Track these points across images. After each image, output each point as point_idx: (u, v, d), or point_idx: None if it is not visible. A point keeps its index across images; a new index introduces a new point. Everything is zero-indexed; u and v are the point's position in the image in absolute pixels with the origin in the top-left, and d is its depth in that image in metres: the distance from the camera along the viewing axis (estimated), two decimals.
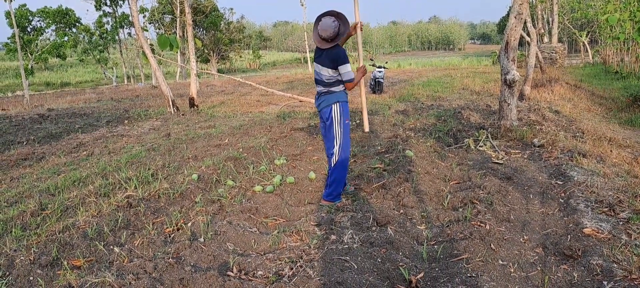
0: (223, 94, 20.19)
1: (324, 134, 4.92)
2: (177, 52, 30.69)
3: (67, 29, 42.12)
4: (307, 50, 44.61)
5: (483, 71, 24.97)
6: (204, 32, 47.16)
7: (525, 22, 9.42)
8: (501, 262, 3.44)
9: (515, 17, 7.21)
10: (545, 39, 27.11)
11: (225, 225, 4.28)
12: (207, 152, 7.39)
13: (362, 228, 4.09)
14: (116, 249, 3.79)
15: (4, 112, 17.40)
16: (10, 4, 23.70)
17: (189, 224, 4.32)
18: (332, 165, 4.76)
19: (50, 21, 40.70)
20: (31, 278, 3.29)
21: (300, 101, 13.46)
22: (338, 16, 4.60)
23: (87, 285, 3.15)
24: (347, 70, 4.53)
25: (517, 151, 6.59)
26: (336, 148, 4.72)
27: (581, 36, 28.80)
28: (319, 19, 4.59)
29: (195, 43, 13.78)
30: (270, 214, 4.70)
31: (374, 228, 4.10)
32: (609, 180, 5.04)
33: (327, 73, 4.59)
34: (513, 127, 7.50)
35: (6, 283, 3.21)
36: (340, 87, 4.66)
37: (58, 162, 7.71)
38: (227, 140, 8.34)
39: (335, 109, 4.65)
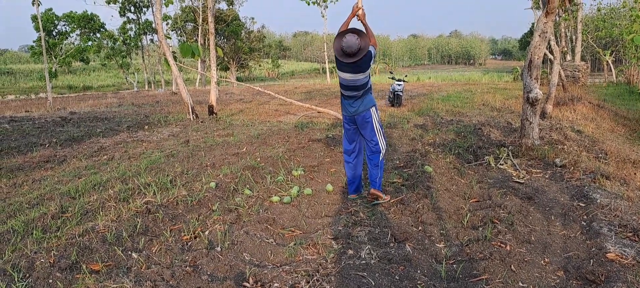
0: (242, 102, 20.33)
1: (360, 136, 5.38)
2: (198, 60, 31.04)
3: (91, 34, 42.97)
4: (327, 61, 44.73)
5: (504, 87, 24.75)
6: (225, 40, 47.69)
7: (548, 40, 9.32)
8: (521, 284, 3.37)
9: (539, 36, 7.14)
10: (568, 57, 26.79)
11: (242, 235, 4.28)
12: (225, 160, 7.42)
13: (380, 244, 4.06)
14: (134, 255, 3.81)
15: (27, 113, 17.73)
16: (38, 8, 24.21)
17: (206, 232, 4.33)
18: (380, 158, 5.23)
19: (75, 26, 41.56)
20: (51, 281, 3.32)
21: (319, 112, 13.49)
22: (359, 35, 4.94)
23: None
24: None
25: (538, 170, 6.49)
26: (381, 143, 5.22)
27: (605, 55, 28.41)
28: (342, 35, 4.95)
29: (216, 51, 13.91)
30: (287, 225, 4.68)
31: (392, 244, 4.06)
32: (634, 204, 4.92)
33: (362, 76, 4.99)
34: (534, 146, 7.40)
35: (26, 285, 3.24)
36: (369, 87, 5.15)
37: (79, 165, 7.81)
38: (245, 149, 8.36)
39: (374, 111, 5.16)
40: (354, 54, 4.87)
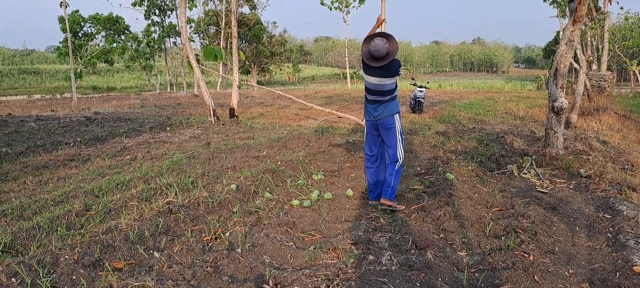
0: (262, 105, 20.44)
1: (381, 141, 5.32)
2: (220, 63, 31.34)
3: (116, 36, 43.64)
4: (347, 66, 44.71)
5: (527, 96, 24.45)
6: (247, 44, 48.03)
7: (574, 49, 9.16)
8: None
9: (565, 44, 7.03)
10: (594, 67, 26.34)
11: (262, 238, 4.28)
12: (245, 163, 7.46)
13: (401, 251, 4.02)
14: (156, 254, 3.84)
15: (53, 113, 18.09)
16: (65, 9, 24.72)
17: (227, 234, 4.35)
18: (396, 168, 5.15)
19: (100, 27, 42.29)
20: (74, 277, 3.37)
21: (339, 117, 13.48)
22: (388, 38, 4.94)
23: None
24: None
25: (562, 181, 6.38)
26: (400, 153, 5.15)
27: (632, 65, 27.86)
28: (370, 38, 4.96)
29: (238, 55, 14.02)
30: (307, 229, 4.68)
31: (412, 251, 4.02)
32: None
33: (389, 82, 5.00)
34: (559, 156, 7.27)
35: (50, 281, 3.29)
36: (395, 95, 5.12)
37: (103, 164, 7.93)
38: (265, 152, 8.40)
39: (397, 118, 5.13)
40: (381, 58, 4.87)
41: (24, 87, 54.51)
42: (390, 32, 5.25)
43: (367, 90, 5.16)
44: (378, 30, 5.49)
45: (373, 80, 5.02)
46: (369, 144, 5.39)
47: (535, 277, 3.51)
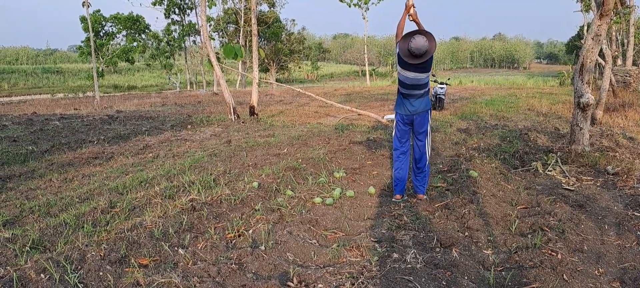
0: (282, 103, 20.47)
1: (409, 136, 5.43)
2: (239, 61, 31.44)
3: (136, 35, 44.13)
4: (366, 63, 44.54)
5: (550, 92, 24.04)
6: (266, 42, 48.17)
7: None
8: None
9: (592, 39, 6.88)
10: (619, 62, 25.77)
11: (286, 235, 4.28)
12: (266, 161, 7.47)
13: (426, 249, 3.98)
14: (181, 251, 3.87)
15: (76, 111, 18.37)
16: (87, 9, 25.05)
17: (250, 231, 4.36)
18: (427, 163, 5.36)
19: (121, 27, 42.82)
20: (101, 273, 3.41)
21: (359, 114, 13.43)
22: (427, 36, 4.94)
23: (154, 284, 3.23)
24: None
25: (589, 178, 6.25)
26: (428, 147, 5.34)
27: None
28: (410, 36, 4.96)
29: (258, 53, 14.06)
30: (329, 227, 4.66)
31: (437, 249, 3.98)
32: None
33: (424, 76, 5.07)
34: (585, 153, 7.13)
35: (78, 277, 3.33)
36: (429, 88, 5.24)
37: (126, 162, 8.02)
38: (286, 150, 8.40)
39: (430, 113, 5.28)
40: (421, 56, 4.89)
41: (47, 86, 55.44)
42: (412, 29, 5.22)
43: (403, 84, 5.18)
44: (408, 18, 5.42)
45: (409, 75, 5.05)
46: (399, 138, 5.43)
47: (564, 276, 3.44)
